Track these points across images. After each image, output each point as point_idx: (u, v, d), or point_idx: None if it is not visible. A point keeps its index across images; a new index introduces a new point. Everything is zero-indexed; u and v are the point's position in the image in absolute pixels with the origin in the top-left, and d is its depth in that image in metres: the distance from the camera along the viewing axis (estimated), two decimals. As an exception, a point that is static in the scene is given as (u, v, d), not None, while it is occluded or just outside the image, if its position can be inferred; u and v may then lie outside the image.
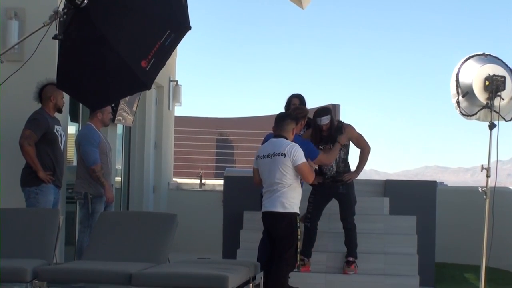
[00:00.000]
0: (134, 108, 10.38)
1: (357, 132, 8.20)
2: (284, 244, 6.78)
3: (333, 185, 8.12)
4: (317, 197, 8.15)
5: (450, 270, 10.03)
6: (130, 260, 6.06)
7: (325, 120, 7.93)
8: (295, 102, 8.42)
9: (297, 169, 6.77)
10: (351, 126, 8.19)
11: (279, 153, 6.77)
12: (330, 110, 8.11)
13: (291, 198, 6.78)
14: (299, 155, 6.77)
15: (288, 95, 8.51)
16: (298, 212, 6.90)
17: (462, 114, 7.15)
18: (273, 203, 6.79)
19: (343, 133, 8.01)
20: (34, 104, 7.48)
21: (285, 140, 6.87)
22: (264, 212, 6.91)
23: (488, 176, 6.77)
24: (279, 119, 7.01)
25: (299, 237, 6.86)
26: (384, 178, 10.29)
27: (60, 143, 7.51)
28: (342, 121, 8.27)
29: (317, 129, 7.99)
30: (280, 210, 6.75)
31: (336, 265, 8.26)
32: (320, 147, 7.96)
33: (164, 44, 5.48)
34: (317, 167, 8.23)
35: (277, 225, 6.81)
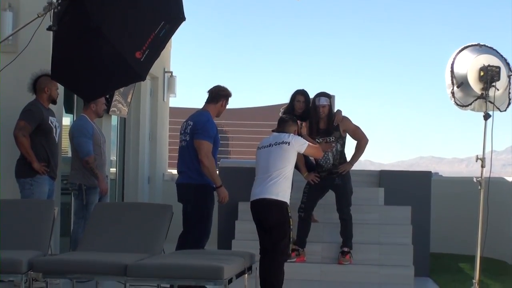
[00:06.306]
0: (129, 99, 10.37)
1: (354, 124, 8.20)
2: (277, 233, 6.71)
3: (329, 177, 8.13)
4: (313, 188, 8.15)
5: (445, 260, 10.05)
6: (125, 251, 6.06)
7: (323, 101, 7.95)
8: (300, 99, 8.40)
9: (307, 154, 7.14)
10: (347, 118, 8.19)
11: (282, 142, 6.77)
12: (330, 96, 8.11)
13: (283, 189, 6.72)
14: (302, 141, 6.88)
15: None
16: (288, 203, 6.83)
17: (457, 104, 7.14)
18: (265, 190, 6.69)
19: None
20: (28, 95, 7.46)
21: (287, 133, 6.93)
22: (253, 200, 6.79)
23: (483, 166, 6.77)
24: (282, 121, 7.08)
25: (291, 226, 6.82)
26: (379, 169, 10.29)
27: (54, 134, 7.50)
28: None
29: (315, 112, 7.97)
30: (273, 197, 6.69)
31: (331, 256, 8.27)
32: (317, 140, 7.96)
33: (158, 35, 5.45)
34: (314, 161, 8.24)
35: (269, 213, 6.71)
